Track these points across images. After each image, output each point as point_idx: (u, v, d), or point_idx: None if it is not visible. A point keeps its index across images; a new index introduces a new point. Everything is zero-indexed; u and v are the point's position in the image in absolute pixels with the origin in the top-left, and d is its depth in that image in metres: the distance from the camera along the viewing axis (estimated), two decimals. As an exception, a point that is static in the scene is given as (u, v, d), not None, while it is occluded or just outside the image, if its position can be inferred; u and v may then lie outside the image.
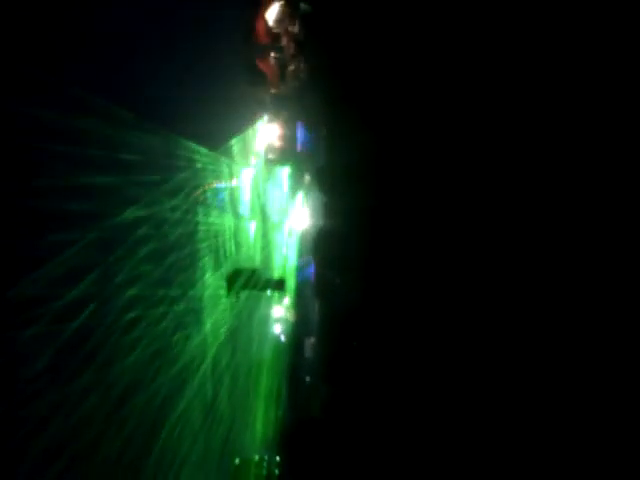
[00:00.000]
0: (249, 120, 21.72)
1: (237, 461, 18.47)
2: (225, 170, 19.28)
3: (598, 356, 5.66)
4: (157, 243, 16.31)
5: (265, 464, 18.21)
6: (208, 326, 17.65)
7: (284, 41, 22.22)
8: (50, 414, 13.10)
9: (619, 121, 5.92)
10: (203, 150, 17.87)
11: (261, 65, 23.49)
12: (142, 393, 15.53)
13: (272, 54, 22.61)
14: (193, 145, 17.53)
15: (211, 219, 18.45)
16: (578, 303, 5.97)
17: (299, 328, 17.58)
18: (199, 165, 17.73)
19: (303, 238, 18.03)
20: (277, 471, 17.53)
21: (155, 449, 15.73)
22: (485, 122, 7.82)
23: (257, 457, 18.61)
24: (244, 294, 18.14)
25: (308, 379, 16.58)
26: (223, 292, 17.77)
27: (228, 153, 19.58)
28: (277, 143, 21.11)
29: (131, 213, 15.11)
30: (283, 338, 19.32)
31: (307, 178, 19.17)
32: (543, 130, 6.74)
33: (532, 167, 6.93)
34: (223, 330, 18.03)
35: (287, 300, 19.05)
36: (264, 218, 20.10)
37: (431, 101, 9.18)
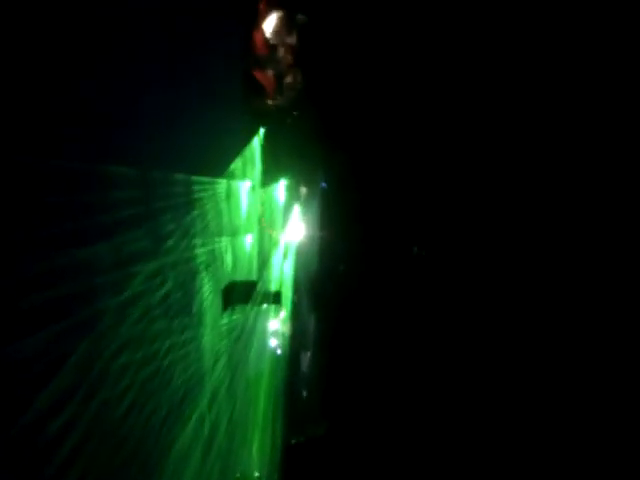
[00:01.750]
0: (247, 135, 21.73)
1: (238, 475, 18.27)
2: (223, 189, 19.19)
3: (598, 356, 5.58)
4: (154, 262, 16.20)
5: (263, 484, 18.03)
6: (205, 342, 17.51)
7: (281, 52, 22.40)
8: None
9: (619, 121, 5.86)
10: (200, 178, 17.70)
11: (259, 76, 23.60)
12: (142, 408, 15.44)
13: (270, 65, 22.77)
14: (189, 177, 17.29)
15: (208, 237, 18.37)
16: (578, 303, 5.93)
17: (296, 342, 17.41)
18: (197, 193, 17.54)
19: (299, 250, 17.92)
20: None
21: (155, 466, 15.61)
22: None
23: (256, 475, 18.44)
24: (240, 308, 18.04)
25: (305, 394, 16.38)
26: (220, 307, 17.68)
27: (227, 173, 19.47)
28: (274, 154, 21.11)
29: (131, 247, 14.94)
30: (280, 352, 19.15)
31: (303, 190, 19.09)
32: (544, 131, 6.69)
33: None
34: (221, 346, 17.91)
35: (283, 313, 18.89)
36: (261, 231, 20.01)
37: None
